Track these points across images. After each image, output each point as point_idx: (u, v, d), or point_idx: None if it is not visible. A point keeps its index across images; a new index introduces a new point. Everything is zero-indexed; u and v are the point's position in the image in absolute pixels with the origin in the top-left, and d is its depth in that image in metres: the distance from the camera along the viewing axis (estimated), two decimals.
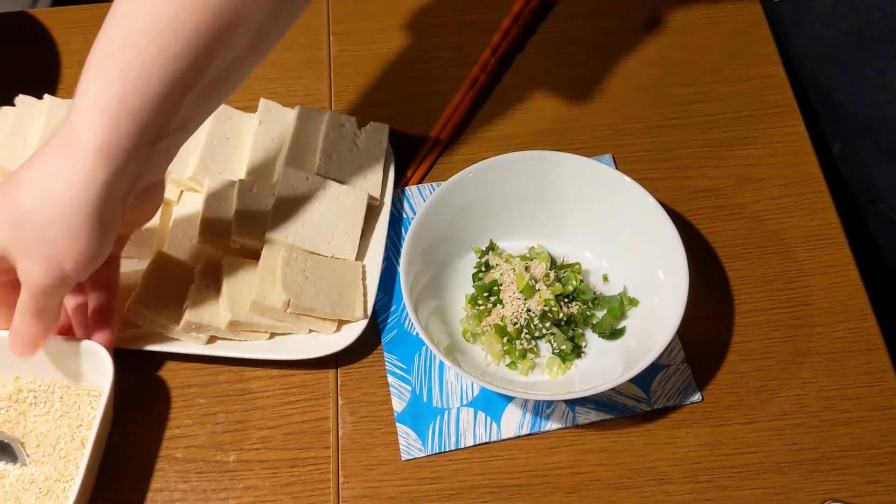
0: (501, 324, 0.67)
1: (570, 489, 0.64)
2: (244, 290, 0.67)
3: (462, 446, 0.65)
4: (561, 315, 0.68)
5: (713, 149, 0.79)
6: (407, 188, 0.77)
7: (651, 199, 0.68)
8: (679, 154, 0.79)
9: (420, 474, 0.65)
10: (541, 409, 0.67)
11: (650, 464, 0.64)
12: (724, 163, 0.78)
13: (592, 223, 0.71)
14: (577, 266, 0.71)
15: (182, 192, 0.75)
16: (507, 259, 0.71)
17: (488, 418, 0.66)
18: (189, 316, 0.65)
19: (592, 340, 0.69)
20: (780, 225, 0.75)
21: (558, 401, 0.67)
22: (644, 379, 0.67)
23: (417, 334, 0.68)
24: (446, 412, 0.67)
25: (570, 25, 0.87)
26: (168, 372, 0.69)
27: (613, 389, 0.66)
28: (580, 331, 0.68)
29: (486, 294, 0.69)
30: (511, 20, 0.86)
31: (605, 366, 0.66)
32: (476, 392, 0.68)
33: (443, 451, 0.65)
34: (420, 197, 0.76)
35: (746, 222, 0.75)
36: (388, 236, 0.73)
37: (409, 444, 0.65)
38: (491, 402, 0.67)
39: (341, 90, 0.84)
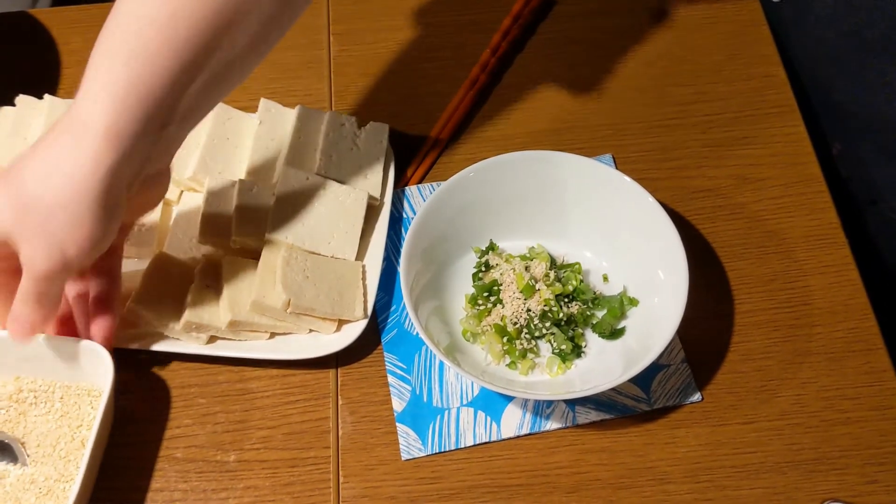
0: (501, 324, 0.67)
1: (570, 489, 0.64)
2: (244, 289, 0.67)
3: (462, 446, 0.65)
4: (561, 315, 0.68)
5: (713, 149, 0.79)
6: (407, 188, 0.77)
7: (651, 199, 0.68)
8: (679, 154, 0.79)
9: (420, 474, 0.65)
10: (541, 408, 0.67)
11: (650, 463, 0.65)
12: (724, 163, 0.78)
13: (592, 223, 0.71)
14: (577, 266, 0.71)
15: (182, 192, 0.75)
16: (507, 259, 0.71)
17: (488, 418, 0.66)
18: (189, 316, 0.66)
19: (592, 340, 0.69)
20: (780, 225, 0.75)
21: (558, 401, 0.67)
22: (644, 379, 0.67)
23: (417, 334, 0.68)
24: (446, 412, 0.67)
25: (570, 25, 0.87)
26: (168, 372, 0.69)
27: (613, 389, 0.66)
28: (580, 331, 0.69)
29: (486, 294, 0.69)
30: (511, 20, 0.86)
31: (605, 366, 0.66)
32: (476, 392, 0.68)
33: (443, 450, 0.65)
34: (420, 197, 0.76)
35: (746, 222, 0.75)
36: (388, 236, 0.73)
37: (409, 444, 0.65)
38: (491, 402, 0.67)
39: (341, 90, 0.84)
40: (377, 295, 0.70)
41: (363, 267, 0.71)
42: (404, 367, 0.69)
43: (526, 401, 0.67)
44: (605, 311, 0.69)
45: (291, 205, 0.70)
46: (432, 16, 0.88)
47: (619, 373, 0.62)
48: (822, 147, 0.81)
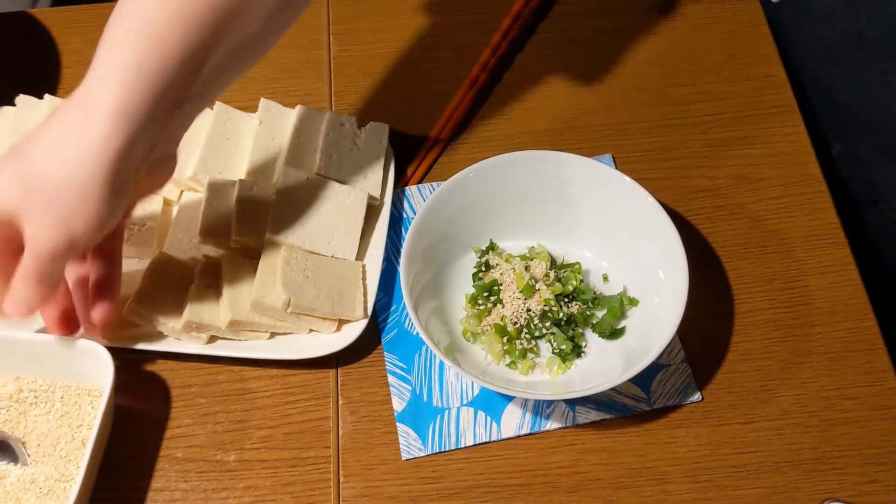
0: (501, 323, 0.67)
1: (570, 489, 0.64)
2: (244, 289, 0.68)
3: (462, 446, 0.65)
4: (561, 315, 0.68)
5: (713, 149, 0.79)
6: (407, 188, 0.77)
7: (651, 199, 0.68)
8: (679, 154, 0.79)
9: (420, 474, 0.65)
10: (541, 408, 0.67)
11: (650, 463, 0.65)
12: (724, 163, 0.78)
13: (592, 223, 0.71)
14: (577, 266, 0.71)
15: (182, 192, 0.75)
16: (507, 259, 0.71)
17: (488, 418, 0.66)
18: (189, 316, 0.66)
19: (592, 340, 0.69)
20: (780, 225, 0.75)
21: (558, 400, 0.67)
22: (644, 379, 0.67)
23: (417, 334, 0.68)
24: (446, 412, 0.67)
25: (570, 25, 0.87)
26: (168, 372, 0.69)
27: (613, 389, 0.66)
28: (580, 330, 0.69)
29: (486, 294, 0.69)
30: (511, 20, 0.86)
31: (605, 365, 0.66)
32: (476, 392, 0.68)
33: (443, 450, 0.65)
34: (420, 197, 0.76)
35: (746, 222, 0.75)
36: (388, 236, 0.73)
37: (410, 444, 0.66)
38: (491, 402, 0.67)
39: (341, 90, 0.84)
40: (377, 295, 0.70)
41: (363, 267, 0.71)
42: (404, 366, 0.69)
43: (526, 401, 0.67)
44: (605, 311, 0.69)
45: (291, 205, 0.70)
46: (432, 16, 0.88)
47: (619, 373, 0.62)
48: (822, 147, 0.81)
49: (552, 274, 0.69)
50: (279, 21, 0.59)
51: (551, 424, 0.66)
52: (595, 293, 0.70)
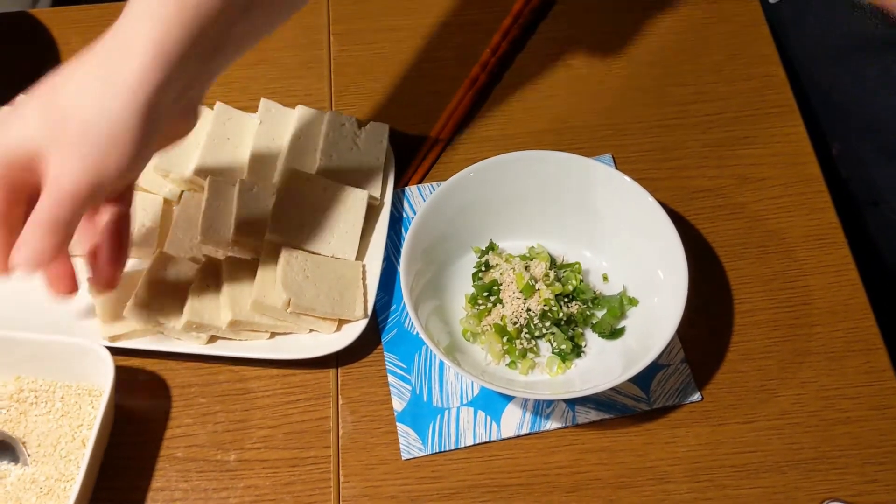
0: (501, 323, 0.67)
1: (570, 488, 0.64)
2: (244, 289, 0.68)
3: (462, 446, 0.65)
4: (561, 315, 0.68)
5: (713, 149, 0.79)
6: (407, 188, 0.77)
7: (651, 199, 0.68)
8: (679, 154, 0.79)
9: (420, 474, 0.65)
10: (541, 408, 0.67)
11: (650, 463, 0.65)
12: (724, 163, 0.78)
13: (592, 223, 0.71)
14: (576, 266, 0.71)
15: (182, 192, 0.75)
16: (506, 259, 0.71)
17: (488, 418, 0.66)
18: (189, 316, 0.66)
19: (592, 340, 0.69)
20: (780, 225, 0.75)
21: (558, 400, 0.67)
22: (644, 378, 0.67)
23: (417, 334, 0.68)
24: (446, 412, 0.67)
25: (570, 25, 0.87)
26: (168, 371, 0.69)
27: (613, 389, 0.66)
28: (580, 330, 0.69)
29: (486, 294, 0.69)
30: (511, 20, 0.86)
31: (605, 365, 0.66)
32: (476, 391, 0.68)
33: (443, 450, 0.65)
34: (420, 197, 0.76)
35: (746, 222, 0.75)
36: (388, 236, 0.73)
37: (410, 444, 0.66)
38: (491, 402, 0.67)
39: (341, 90, 0.84)
40: (377, 295, 0.70)
41: (363, 267, 0.71)
42: (404, 366, 0.69)
43: (526, 400, 0.67)
44: (604, 311, 0.69)
45: (291, 205, 0.70)
46: (432, 16, 0.88)
47: (618, 372, 0.62)
48: (822, 147, 0.81)
49: (552, 274, 0.69)
50: None
51: (551, 424, 0.66)
52: (595, 293, 0.70)
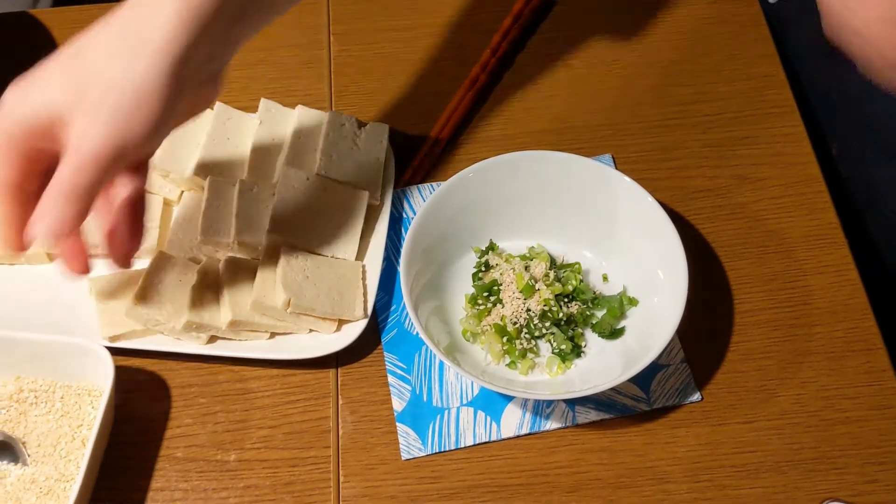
0: (501, 323, 0.67)
1: (570, 488, 0.64)
2: (244, 289, 0.68)
3: (462, 446, 0.65)
4: (561, 315, 0.68)
5: (713, 149, 0.79)
6: (407, 188, 0.77)
7: (651, 199, 0.68)
8: (679, 154, 0.79)
9: (420, 474, 0.65)
10: (540, 408, 0.67)
11: (650, 463, 0.65)
12: (725, 162, 0.78)
13: (592, 223, 0.71)
14: (576, 266, 0.71)
15: (182, 192, 0.75)
16: (506, 259, 0.71)
17: (488, 418, 0.66)
18: (189, 316, 0.66)
19: (592, 340, 0.69)
20: (780, 225, 0.75)
21: (558, 400, 0.67)
22: (643, 378, 0.67)
23: (417, 334, 0.68)
24: (446, 412, 0.67)
25: (570, 25, 0.87)
26: (168, 371, 0.69)
27: (613, 389, 0.66)
28: (580, 330, 0.69)
29: (485, 294, 0.69)
30: (511, 20, 0.86)
31: (605, 365, 0.66)
32: (476, 392, 0.68)
33: (443, 450, 0.65)
34: (420, 197, 0.76)
35: (746, 222, 0.75)
36: (388, 236, 0.73)
37: (409, 444, 0.66)
38: (491, 402, 0.67)
39: (341, 90, 0.84)
40: (377, 295, 0.70)
41: (363, 267, 0.71)
42: (404, 366, 0.69)
43: (526, 400, 0.67)
44: (604, 311, 0.69)
45: (291, 205, 0.70)
46: (432, 16, 0.88)
47: (618, 372, 0.62)
48: (822, 147, 0.81)
49: (552, 274, 0.69)
50: None
51: (551, 424, 0.66)
52: (595, 293, 0.70)
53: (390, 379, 0.68)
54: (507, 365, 0.68)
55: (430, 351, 0.67)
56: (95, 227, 0.56)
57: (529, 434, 0.66)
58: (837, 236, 0.74)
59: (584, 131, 0.80)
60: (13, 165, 0.52)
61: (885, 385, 0.67)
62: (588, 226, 0.72)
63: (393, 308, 0.71)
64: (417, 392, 0.68)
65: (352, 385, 0.69)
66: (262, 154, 0.75)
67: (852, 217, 0.80)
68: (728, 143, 0.79)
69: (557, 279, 0.69)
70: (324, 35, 0.87)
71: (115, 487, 0.64)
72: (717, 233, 0.74)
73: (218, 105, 0.77)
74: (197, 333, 0.67)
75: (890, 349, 0.69)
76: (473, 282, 0.71)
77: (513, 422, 0.66)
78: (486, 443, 0.66)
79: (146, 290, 0.67)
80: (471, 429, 0.66)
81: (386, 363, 0.69)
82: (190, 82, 0.52)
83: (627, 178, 0.69)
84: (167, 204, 0.75)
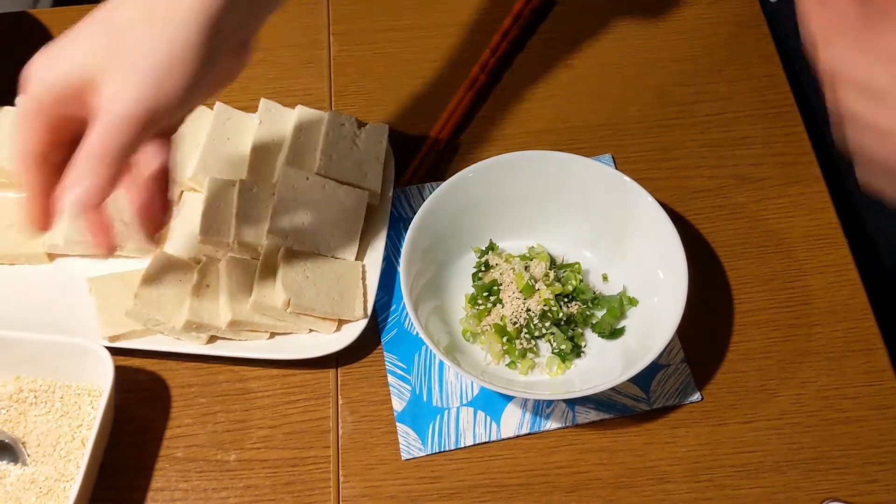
0: (501, 323, 0.67)
1: (570, 488, 0.64)
2: (244, 289, 0.68)
3: (462, 446, 0.65)
4: (560, 315, 0.68)
5: (713, 148, 0.79)
6: (407, 188, 0.77)
7: (651, 199, 0.68)
8: (679, 154, 0.79)
9: (420, 474, 0.65)
10: (540, 408, 0.67)
11: (650, 463, 0.65)
12: (724, 162, 0.78)
13: (592, 223, 0.71)
14: (576, 266, 0.71)
15: (182, 192, 0.75)
16: (506, 259, 0.71)
17: (488, 418, 0.66)
18: (189, 316, 0.66)
19: (592, 340, 0.69)
20: (780, 225, 0.75)
21: (558, 400, 0.67)
22: (643, 378, 0.67)
23: (417, 334, 0.68)
24: (446, 412, 0.67)
25: (570, 25, 0.87)
26: (168, 371, 0.69)
27: (613, 389, 0.66)
28: (580, 330, 0.69)
29: (485, 294, 0.69)
30: (511, 20, 0.86)
31: (605, 365, 0.66)
32: (476, 391, 0.68)
33: (442, 450, 0.65)
34: (420, 197, 0.76)
35: (746, 222, 0.75)
36: (388, 236, 0.73)
37: (409, 444, 0.66)
38: (491, 402, 0.67)
39: (341, 90, 0.84)
40: (377, 295, 0.70)
41: (363, 267, 0.71)
42: (404, 366, 0.69)
43: (526, 400, 0.67)
44: (604, 311, 0.69)
45: (291, 205, 0.70)
46: (432, 16, 0.88)
47: (618, 372, 0.62)
48: (822, 147, 0.81)
49: (552, 274, 0.69)
50: None
51: (551, 424, 0.66)
52: (595, 293, 0.70)
53: (390, 379, 0.68)
54: (506, 365, 0.68)
55: (430, 351, 0.67)
56: (125, 204, 0.54)
57: (529, 434, 0.66)
58: (837, 236, 0.74)
59: (584, 131, 0.80)
60: (39, 135, 0.51)
61: (885, 385, 0.67)
62: (588, 226, 0.72)
63: (393, 308, 0.71)
64: (417, 392, 0.68)
65: (352, 385, 0.69)
66: (262, 154, 0.75)
67: (852, 217, 0.80)
68: (728, 143, 0.79)
69: (557, 279, 0.69)
70: (324, 35, 0.87)
71: (115, 487, 0.64)
72: (717, 233, 0.74)
73: (218, 105, 0.77)
74: (197, 333, 0.67)
75: (890, 349, 0.69)
76: (473, 282, 0.71)
77: (513, 422, 0.66)
78: (486, 443, 0.66)
79: (146, 290, 0.67)
80: (471, 429, 0.66)
81: (386, 363, 0.69)
82: (220, 50, 0.51)
83: (627, 178, 0.69)
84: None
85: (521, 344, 0.67)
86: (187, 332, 0.66)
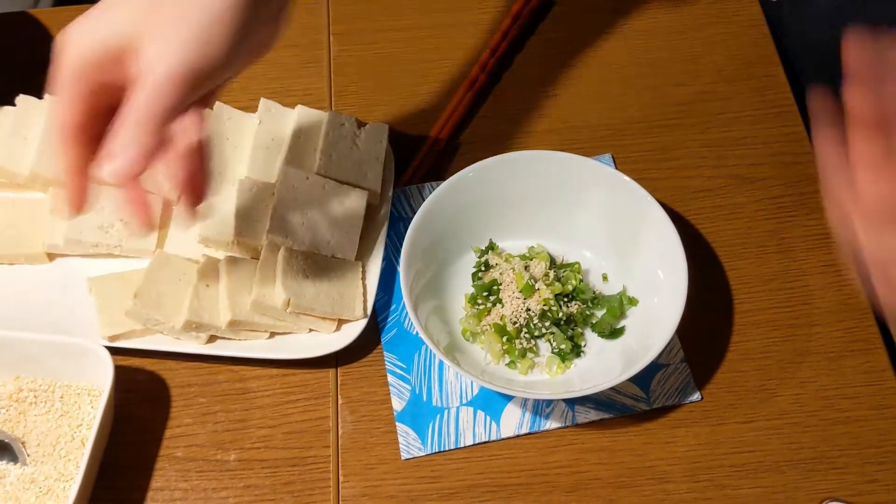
0: (501, 323, 0.68)
1: (570, 488, 0.64)
2: (244, 289, 0.68)
3: (461, 445, 0.65)
4: (560, 314, 0.68)
5: (713, 148, 0.79)
6: (407, 188, 0.77)
7: (651, 199, 0.68)
8: (679, 154, 0.79)
9: (420, 473, 0.65)
10: (540, 408, 0.67)
11: (649, 463, 0.65)
12: (724, 162, 0.78)
13: (592, 223, 0.71)
14: (576, 265, 0.71)
15: None
16: (506, 258, 0.71)
17: (488, 417, 0.66)
18: (189, 315, 0.66)
19: (592, 340, 0.69)
20: (780, 225, 0.75)
21: (558, 400, 0.67)
22: (643, 378, 0.67)
23: (417, 333, 0.68)
24: (446, 411, 0.67)
25: (570, 25, 0.87)
26: (168, 371, 0.69)
27: (613, 389, 0.66)
28: (580, 330, 0.69)
29: (485, 293, 0.69)
30: (511, 20, 0.86)
31: (605, 365, 0.66)
32: (475, 391, 0.68)
33: (442, 450, 0.65)
34: (420, 197, 0.76)
35: (746, 222, 0.75)
36: (388, 236, 0.73)
37: (409, 444, 0.66)
38: (490, 402, 0.67)
39: (341, 90, 0.84)
40: (377, 294, 0.70)
41: (363, 267, 0.71)
42: (404, 366, 0.69)
43: (525, 400, 0.67)
44: (604, 311, 0.69)
45: (291, 205, 0.70)
46: (432, 16, 0.88)
47: (618, 372, 0.62)
48: None
49: (552, 273, 0.69)
50: None
51: (551, 424, 0.66)
52: (595, 293, 0.70)
53: (390, 378, 0.68)
54: (506, 364, 0.68)
55: (430, 350, 0.67)
56: (165, 178, 0.53)
57: (529, 434, 0.66)
58: None
59: (584, 131, 0.80)
60: (78, 105, 0.50)
61: (885, 385, 0.67)
62: (588, 226, 0.72)
63: (393, 308, 0.71)
64: (417, 392, 0.68)
65: (351, 385, 0.69)
66: (262, 154, 0.75)
67: None
68: (728, 143, 0.79)
69: (557, 279, 0.69)
70: (324, 35, 0.87)
71: (115, 487, 0.64)
72: (716, 233, 0.74)
73: (218, 105, 0.77)
74: (196, 333, 0.67)
75: (889, 349, 0.69)
76: (473, 281, 0.71)
77: (512, 421, 0.66)
78: (485, 442, 0.66)
79: (146, 290, 0.67)
80: (470, 428, 0.66)
81: (386, 363, 0.69)
82: (258, 14, 0.51)
83: (627, 178, 0.69)
84: (167, 204, 0.75)
85: (521, 344, 0.67)
86: (187, 331, 0.66)
